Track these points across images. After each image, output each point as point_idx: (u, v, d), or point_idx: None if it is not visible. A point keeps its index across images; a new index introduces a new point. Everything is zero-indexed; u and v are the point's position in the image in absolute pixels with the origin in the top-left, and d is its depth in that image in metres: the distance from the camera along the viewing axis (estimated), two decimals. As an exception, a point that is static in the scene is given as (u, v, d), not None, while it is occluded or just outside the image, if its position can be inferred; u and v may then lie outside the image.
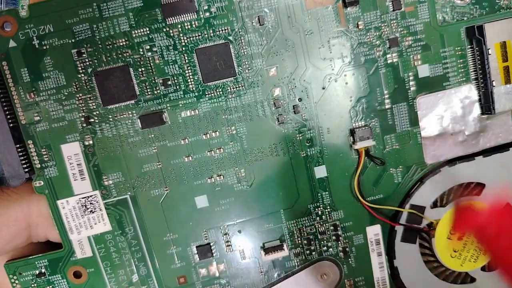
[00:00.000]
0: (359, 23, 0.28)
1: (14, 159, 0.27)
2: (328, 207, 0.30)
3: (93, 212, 0.28)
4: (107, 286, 0.29)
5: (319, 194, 0.29)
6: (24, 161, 0.27)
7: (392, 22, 0.28)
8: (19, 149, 0.27)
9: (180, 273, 0.29)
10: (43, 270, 0.29)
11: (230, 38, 0.27)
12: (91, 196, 0.28)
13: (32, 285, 0.29)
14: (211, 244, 0.29)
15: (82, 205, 0.28)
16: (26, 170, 0.27)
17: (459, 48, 0.29)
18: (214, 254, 0.29)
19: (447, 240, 0.31)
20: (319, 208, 0.30)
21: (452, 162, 0.30)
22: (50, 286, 0.29)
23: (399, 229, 0.30)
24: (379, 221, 0.30)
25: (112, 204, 0.28)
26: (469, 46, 0.29)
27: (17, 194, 0.28)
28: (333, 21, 0.28)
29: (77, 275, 0.29)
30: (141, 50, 0.27)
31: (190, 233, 0.29)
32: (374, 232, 0.30)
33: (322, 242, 0.30)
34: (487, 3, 0.29)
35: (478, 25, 0.28)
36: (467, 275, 0.32)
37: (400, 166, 0.30)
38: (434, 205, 0.31)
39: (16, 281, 0.29)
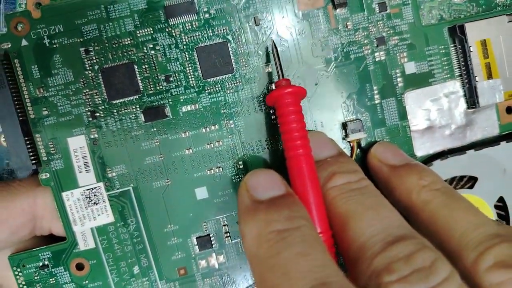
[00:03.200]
0: (348, 23, 0.30)
1: (22, 151, 0.28)
2: (324, 198, 0.31)
3: (96, 204, 0.29)
4: (108, 278, 0.30)
5: (314, 186, 0.30)
6: (31, 154, 0.28)
7: (378, 22, 0.30)
8: (27, 142, 0.28)
9: (180, 265, 0.30)
10: (46, 262, 0.29)
11: (229, 37, 0.29)
12: (95, 188, 0.29)
13: (35, 278, 0.29)
14: (211, 235, 0.30)
15: (86, 197, 0.29)
16: (33, 162, 0.28)
17: (442, 46, 0.31)
18: (213, 245, 0.30)
19: (440, 232, 0.31)
20: (315, 200, 0.31)
21: (444, 155, 0.31)
22: (53, 279, 0.29)
23: (393, 221, 0.31)
24: (374, 213, 0.31)
25: (115, 195, 0.29)
26: (452, 45, 0.31)
27: (23, 187, 0.29)
28: (324, 22, 0.30)
29: (80, 267, 0.29)
30: (145, 48, 0.29)
31: (190, 224, 0.30)
32: (369, 223, 0.31)
33: (318, 234, 0.31)
34: (483, 1, 0.31)
35: (459, 25, 0.30)
36: (462, 268, 0.33)
37: (392, 159, 0.31)
38: (427, 197, 0.32)
39: (20, 273, 0.29)
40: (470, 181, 0.32)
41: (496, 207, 0.33)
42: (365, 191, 0.25)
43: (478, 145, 0.32)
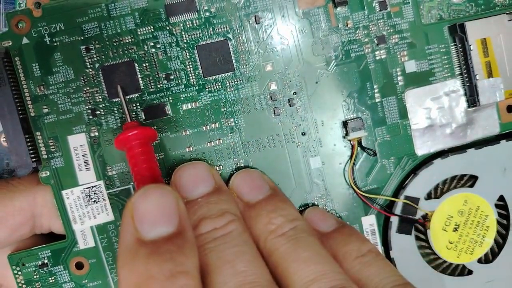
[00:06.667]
0: (348, 22, 0.30)
1: (22, 149, 0.28)
2: (324, 197, 0.31)
3: (96, 202, 0.29)
4: (108, 277, 0.29)
5: (314, 184, 0.30)
6: (31, 152, 0.28)
7: (379, 21, 0.30)
8: (28, 140, 0.28)
9: (181, 264, 0.30)
10: (45, 261, 0.29)
11: (229, 35, 0.29)
12: (95, 186, 0.29)
13: (35, 276, 0.29)
14: (211, 234, 0.30)
15: (86, 195, 0.29)
16: (33, 160, 0.28)
17: (443, 45, 0.31)
18: (214, 244, 0.30)
19: (442, 232, 0.31)
20: (315, 198, 0.30)
21: (444, 154, 0.31)
22: (52, 278, 0.29)
23: (394, 220, 0.31)
24: (374, 212, 0.31)
25: (115, 194, 0.29)
26: (452, 44, 0.31)
27: (22, 185, 0.29)
28: (324, 20, 0.30)
29: (79, 266, 0.29)
30: (145, 46, 0.29)
31: (190, 223, 0.30)
32: (369, 222, 0.31)
33: (319, 233, 0.31)
34: (482, 1, 0.31)
35: (460, 24, 0.30)
36: (464, 267, 0.32)
37: (392, 157, 0.31)
38: (428, 196, 0.32)
39: (19, 272, 0.29)
40: (471, 180, 0.32)
41: (496, 206, 0.32)
42: (228, 239, 0.23)
43: (478, 143, 0.32)
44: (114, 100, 0.29)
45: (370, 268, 0.25)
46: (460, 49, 0.31)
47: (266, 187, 0.27)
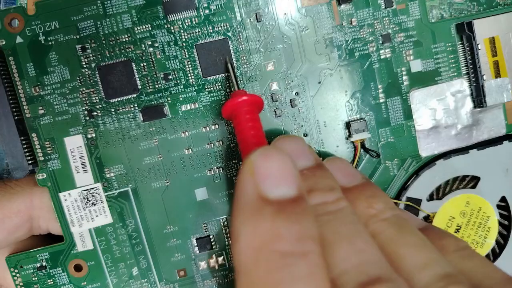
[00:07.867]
0: (352, 20, 0.29)
1: (18, 151, 0.27)
2: (326, 199, 0.30)
3: (94, 205, 0.28)
4: (107, 279, 0.29)
5: (316, 186, 0.30)
6: (28, 154, 0.28)
7: (384, 19, 0.29)
8: (23, 142, 0.27)
9: (180, 266, 0.30)
10: (44, 263, 0.29)
11: (229, 34, 0.28)
12: (93, 188, 0.28)
13: (33, 279, 0.29)
14: (211, 237, 0.30)
15: (84, 198, 0.28)
16: (30, 162, 0.28)
17: (449, 44, 0.30)
18: (213, 247, 0.30)
19: (444, 233, 0.31)
20: (317, 201, 0.30)
21: (447, 155, 0.31)
22: (51, 280, 0.29)
23: (396, 222, 0.31)
24: (376, 213, 0.31)
25: (114, 196, 0.29)
26: (459, 42, 0.30)
27: (19, 186, 0.28)
28: (328, 18, 0.29)
29: (78, 268, 0.29)
30: (143, 45, 0.28)
31: (190, 225, 0.29)
32: (371, 224, 0.31)
33: (320, 235, 0.30)
34: (484, 0, 0.30)
35: (468, 22, 0.29)
36: (465, 268, 0.32)
37: (396, 159, 0.30)
38: (430, 198, 0.31)
39: (18, 275, 0.29)
40: (473, 181, 0.32)
41: (498, 207, 0.32)
42: (341, 215, 0.22)
43: (480, 144, 0.31)
44: (111, 101, 0.28)
45: (471, 261, 0.23)
46: (468, 48, 0.30)
47: (359, 175, 0.26)
